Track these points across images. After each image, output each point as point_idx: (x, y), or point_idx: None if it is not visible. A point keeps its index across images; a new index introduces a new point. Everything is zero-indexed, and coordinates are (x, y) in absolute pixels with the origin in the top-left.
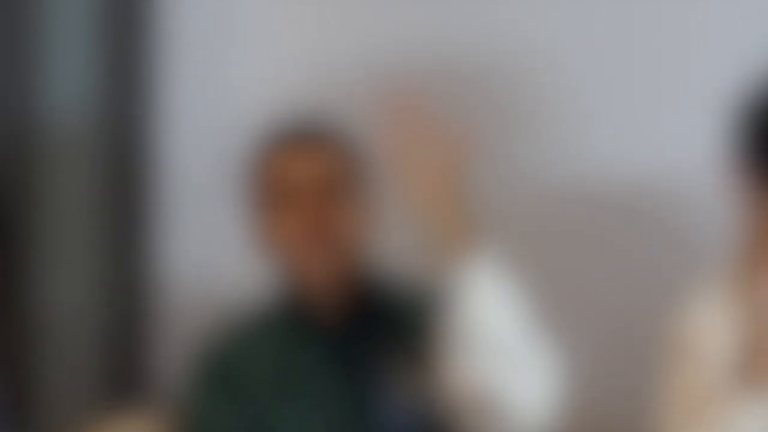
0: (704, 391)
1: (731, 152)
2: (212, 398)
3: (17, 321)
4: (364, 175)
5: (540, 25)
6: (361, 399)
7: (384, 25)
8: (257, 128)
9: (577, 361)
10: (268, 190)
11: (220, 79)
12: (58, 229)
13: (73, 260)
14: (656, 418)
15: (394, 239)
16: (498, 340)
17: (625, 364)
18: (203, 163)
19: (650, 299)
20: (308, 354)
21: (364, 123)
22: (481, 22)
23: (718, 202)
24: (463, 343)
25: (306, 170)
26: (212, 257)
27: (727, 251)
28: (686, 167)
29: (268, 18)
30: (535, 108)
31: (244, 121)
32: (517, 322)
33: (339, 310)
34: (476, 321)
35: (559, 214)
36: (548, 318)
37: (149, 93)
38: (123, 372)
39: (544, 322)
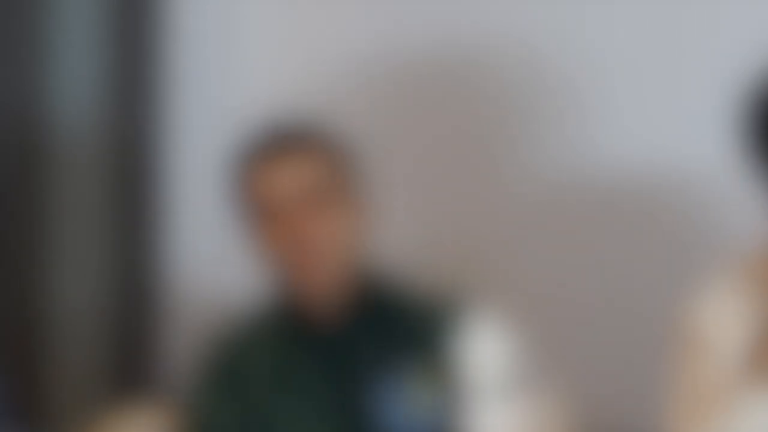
0: (715, 384)
1: (743, 145)
2: (214, 398)
3: (25, 317)
4: (358, 177)
5: (547, 22)
6: (357, 404)
7: (389, 25)
8: (242, 138)
9: (589, 355)
10: (255, 202)
11: (227, 80)
12: (66, 228)
13: (80, 258)
14: (667, 412)
15: (393, 240)
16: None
17: (637, 358)
18: (209, 162)
19: (662, 293)
20: (305, 358)
21: (362, 124)
22: (486, 20)
23: (729, 195)
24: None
25: (291, 181)
26: (217, 255)
27: (739, 244)
28: (697, 161)
29: (275, 19)
30: (544, 105)
31: (250, 122)
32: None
33: (337, 314)
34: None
35: (568, 211)
36: (560, 315)
37: (156, 93)
38: (129, 368)
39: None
